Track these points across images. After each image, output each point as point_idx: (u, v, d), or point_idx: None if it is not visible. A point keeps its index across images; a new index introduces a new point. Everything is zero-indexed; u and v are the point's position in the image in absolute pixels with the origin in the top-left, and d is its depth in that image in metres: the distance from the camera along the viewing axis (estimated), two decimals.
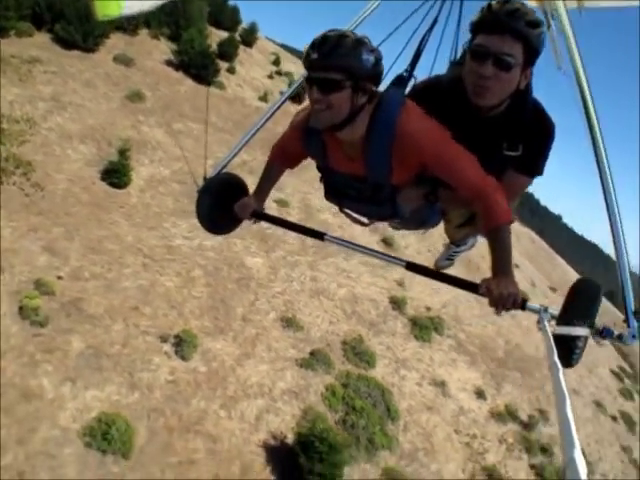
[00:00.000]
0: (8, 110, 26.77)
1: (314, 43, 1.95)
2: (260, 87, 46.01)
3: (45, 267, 19.97)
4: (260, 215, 2.64)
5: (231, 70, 44.88)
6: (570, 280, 2.50)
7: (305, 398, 19.24)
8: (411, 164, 2.08)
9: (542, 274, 52.87)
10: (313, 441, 15.78)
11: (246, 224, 2.85)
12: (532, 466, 22.32)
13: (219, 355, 19.18)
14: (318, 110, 2.00)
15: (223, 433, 16.87)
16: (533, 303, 2.00)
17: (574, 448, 1.10)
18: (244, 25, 55.75)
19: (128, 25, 41.66)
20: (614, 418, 30.39)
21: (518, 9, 2.03)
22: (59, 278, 19.86)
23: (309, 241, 26.13)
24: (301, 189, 29.95)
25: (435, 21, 2.45)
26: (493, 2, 2.09)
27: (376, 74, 2.01)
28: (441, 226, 3.14)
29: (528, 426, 24.09)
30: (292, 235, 24.83)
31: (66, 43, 36.25)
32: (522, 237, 49.72)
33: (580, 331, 1.87)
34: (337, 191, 2.37)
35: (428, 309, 27.40)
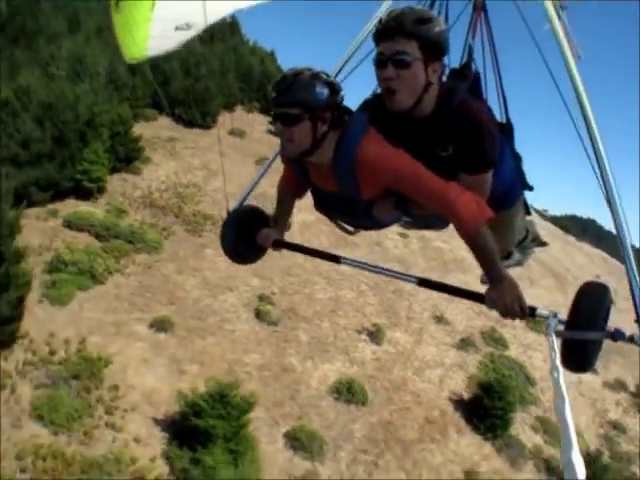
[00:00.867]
0: (175, 179, 35.56)
1: (275, 82, 2.18)
2: None
3: (259, 287, 27.77)
4: (281, 244, 2.82)
5: None
6: None
7: (467, 369, 25.90)
8: (375, 185, 2.21)
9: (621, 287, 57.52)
10: (492, 385, 22.48)
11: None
12: None
13: (400, 341, 26.24)
14: (284, 142, 2.21)
15: (420, 391, 23.69)
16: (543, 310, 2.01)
17: (572, 449, 1.15)
18: None
19: (227, 103, 50.48)
20: None
21: (403, 12, 2.17)
22: (273, 294, 27.63)
23: (441, 260, 33.33)
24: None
25: None
26: (383, 16, 2.25)
27: (333, 104, 2.17)
28: None
29: (636, 395, 29.54)
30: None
31: (187, 123, 44.68)
32: (595, 258, 55.03)
33: (592, 335, 1.87)
34: (324, 205, 2.54)
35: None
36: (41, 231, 26.07)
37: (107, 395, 19.46)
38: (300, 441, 19.18)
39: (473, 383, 24.85)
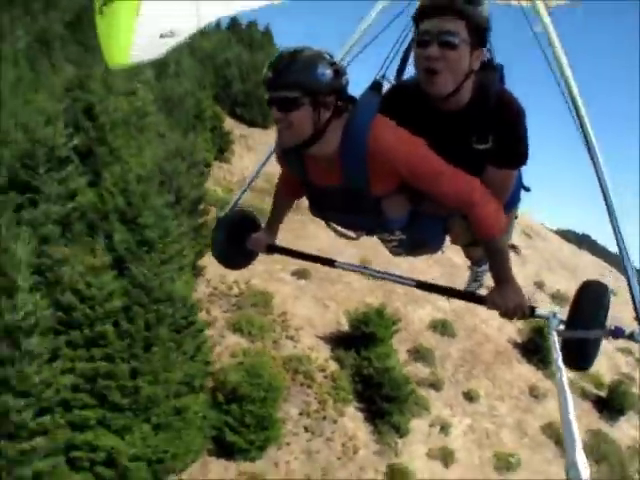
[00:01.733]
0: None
1: (270, 63, 1.91)
2: None
3: (360, 255, 34.83)
4: (274, 248, 2.72)
5: None
6: None
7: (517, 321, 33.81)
8: (389, 177, 1.98)
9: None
10: (542, 328, 30.39)
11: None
12: None
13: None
14: (281, 130, 1.95)
15: (487, 334, 31.33)
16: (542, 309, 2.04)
17: (576, 449, 1.15)
18: None
19: None
20: None
21: None
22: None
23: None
24: None
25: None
26: None
27: (337, 88, 1.92)
28: None
29: None
30: None
31: (249, 122, 50.16)
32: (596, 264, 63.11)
33: (591, 333, 1.88)
34: (321, 205, 2.27)
35: None
36: None
37: (278, 319, 26.19)
38: (421, 354, 26.50)
39: (525, 330, 32.58)
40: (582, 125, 2.26)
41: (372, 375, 22.95)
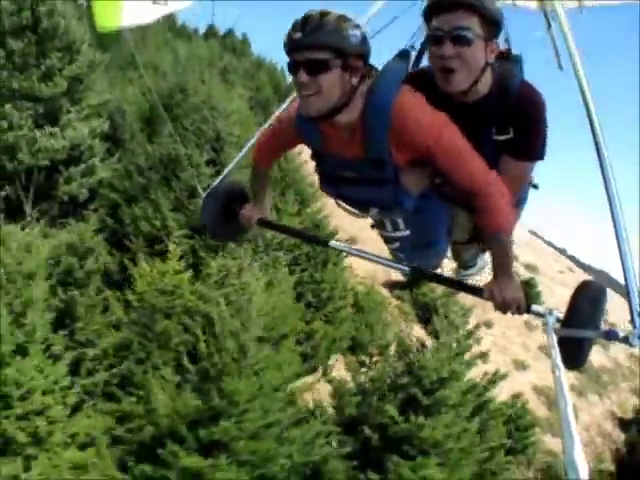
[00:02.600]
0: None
1: (296, 24, 1.79)
2: None
3: None
4: (266, 223, 2.64)
5: None
6: None
7: None
8: (411, 148, 1.90)
9: None
10: None
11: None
12: None
13: None
14: (306, 96, 1.81)
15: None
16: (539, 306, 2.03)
17: (574, 449, 1.14)
18: None
19: None
20: None
21: None
22: None
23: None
24: None
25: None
26: None
27: (364, 51, 1.86)
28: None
29: None
30: None
31: None
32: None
33: (586, 333, 1.88)
34: (333, 178, 2.15)
35: None
36: None
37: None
38: None
39: None
40: (593, 132, 2.17)
41: None
